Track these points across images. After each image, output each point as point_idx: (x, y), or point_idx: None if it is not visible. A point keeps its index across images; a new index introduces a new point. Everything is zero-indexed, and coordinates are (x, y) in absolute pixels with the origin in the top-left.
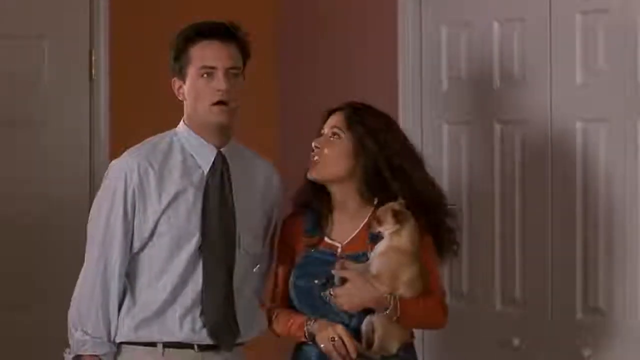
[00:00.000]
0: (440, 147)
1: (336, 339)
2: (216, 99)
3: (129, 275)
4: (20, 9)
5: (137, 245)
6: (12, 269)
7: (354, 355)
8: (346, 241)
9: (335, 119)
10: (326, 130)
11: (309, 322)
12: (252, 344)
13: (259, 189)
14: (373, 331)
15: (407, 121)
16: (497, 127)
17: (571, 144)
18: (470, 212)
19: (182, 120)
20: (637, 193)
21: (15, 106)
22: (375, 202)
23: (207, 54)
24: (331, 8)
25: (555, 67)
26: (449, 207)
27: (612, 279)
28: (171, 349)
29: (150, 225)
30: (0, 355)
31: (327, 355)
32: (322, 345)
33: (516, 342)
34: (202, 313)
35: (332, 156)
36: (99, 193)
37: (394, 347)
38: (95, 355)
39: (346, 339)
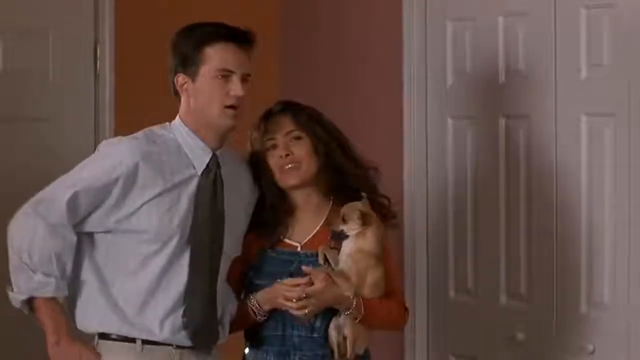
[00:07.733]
0: (444, 142)
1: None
2: (230, 102)
3: (101, 265)
4: (24, 3)
5: (104, 222)
6: None
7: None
8: (305, 240)
9: (283, 124)
10: (279, 138)
11: (250, 298)
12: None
13: (245, 192)
14: (344, 338)
15: (411, 116)
16: (502, 121)
17: (576, 139)
18: (475, 207)
19: (178, 117)
20: None
21: (19, 101)
22: (332, 199)
23: (227, 57)
24: (335, 3)
25: (560, 62)
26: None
27: (616, 273)
28: (149, 346)
29: (122, 214)
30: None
31: (289, 309)
32: (285, 303)
33: (521, 336)
34: (184, 315)
35: (306, 158)
36: (89, 159)
37: (362, 349)
38: (52, 298)
39: (291, 281)
